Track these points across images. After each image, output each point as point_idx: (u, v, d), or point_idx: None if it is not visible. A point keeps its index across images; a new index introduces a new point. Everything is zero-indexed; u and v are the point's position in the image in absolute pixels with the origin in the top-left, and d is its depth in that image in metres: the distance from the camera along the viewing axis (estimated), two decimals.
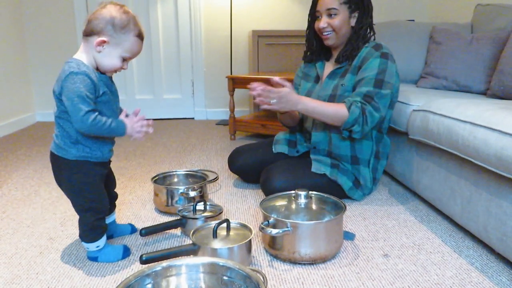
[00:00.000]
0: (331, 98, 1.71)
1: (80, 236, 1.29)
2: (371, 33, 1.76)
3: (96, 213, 1.27)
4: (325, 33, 1.73)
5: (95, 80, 1.18)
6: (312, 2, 1.80)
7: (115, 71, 1.25)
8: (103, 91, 1.21)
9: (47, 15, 3.62)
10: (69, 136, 1.22)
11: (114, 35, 1.18)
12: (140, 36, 1.23)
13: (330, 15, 1.70)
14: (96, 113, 1.16)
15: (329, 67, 1.83)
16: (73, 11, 3.62)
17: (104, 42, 1.18)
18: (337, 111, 1.60)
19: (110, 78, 1.30)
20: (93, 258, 1.30)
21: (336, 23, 1.69)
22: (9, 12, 3.38)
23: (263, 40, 3.46)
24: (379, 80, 1.62)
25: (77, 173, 1.24)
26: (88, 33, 1.20)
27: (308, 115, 1.65)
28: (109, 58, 1.21)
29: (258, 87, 1.56)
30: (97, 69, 1.24)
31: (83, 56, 1.22)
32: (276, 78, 1.63)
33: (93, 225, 1.27)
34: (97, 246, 1.29)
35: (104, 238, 1.31)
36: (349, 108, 1.58)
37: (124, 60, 1.24)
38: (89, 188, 1.26)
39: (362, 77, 1.64)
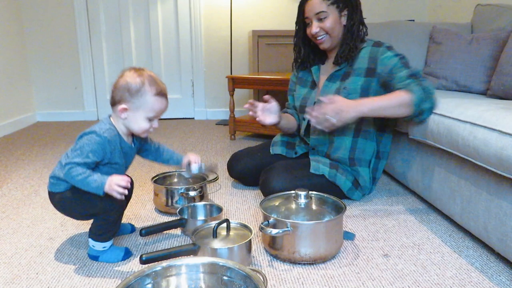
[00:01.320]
0: None
1: (93, 233, 1.29)
2: (364, 29, 1.73)
3: (117, 210, 1.27)
4: (319, 38, 1.70)
5: (110, 148, 1.24)
6: (298, 9, 1.77)
7: (147, 132, 1.29)
8: (115, 161, 1.27)
9: (47, 15, 3.62)
10: (60, 173, 1.27)
11: (132, 100, 1.23)
12: (160, 94, 1.25)
13: (320, 19, 1.67)
14: (78, 167, 1.18)
15: (326, 69, 1.81)
16: (73, 11, 3.62)
17: (125, 109, 1.24)
18: (400, 98, 1.48)
19: (138, 143, 1.38)
20: (94, 257, 1.30)
21: (328, 25, 1.66)
22: (9, 12, 3.38)
23: (263, 40, 3.46)
24: (406, 63, 1.60)
25: (71, 190, 1.26)
26: (112, 104, 1.27)
27: (373, 115, 1.53)
28: (135, 122, 1.26)
29: (312, 113, 1.50)
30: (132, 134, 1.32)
31: (117, 124, 1.28)
32: (266, 96, 1.63)
33: (114, 223, 1.28)
34: (104, 247, 1.29)
35: (112, 240, 1.31)
36: (410, 90, 1.48)
37: (151, 120, 1.27)
38: (98, 198, 1.23)
39: (388, 69, 1.60)
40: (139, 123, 1.26)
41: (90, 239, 1.30)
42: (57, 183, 1.28)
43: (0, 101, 3.19)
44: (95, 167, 1.24)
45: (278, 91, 3.51)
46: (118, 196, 1.18)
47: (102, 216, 1.26)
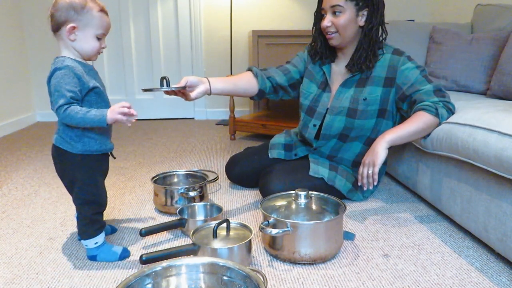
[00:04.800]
0: (351, 112, 1.64)
1: (79, 233, 1.30)
2: (383, 35, 1.64)
3: (95, 207, 1.28)
4: (329, 33, 1.61)
5: (80, 74, 1.19)
6: None
7: (98, 53, 1.26)
8: (93, 85, 1.22)
9: (47, 15, 3.61)
10: (72, 130, 1.23)
11: (79, 17, 1.19)
12: (103, 10, 1.23)
13: (334, 13, 1.56)
14: (71, 106, 1.15)
15: (338, 71, 1.73)
16: None
17: (73, 28, 1.19)
18: (427, 123, 1.49)
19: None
20: (92, 257, 1.30)
21: (340, 22, 1.56)
22: (9, 12, 3.38)
23: (263, 40, 3.46)
24: (427, 76, 1.58)
25: (82, 168, 1.25)
26: (56, 28, 1.21)
27: (401, 142, 1.52)
28: (86, 42, 1.22)
29: (363, 181, 1.52)
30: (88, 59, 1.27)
31: (65, 52, 1.23)
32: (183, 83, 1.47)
33: (91, 219, 1.28)
34: (96, 243, 1.29)
35: (102, 234, 1.31)
36: (437, 114, 1.48)
37: (99, 39, 1.24)
38: (92, 182, 1.27)
39: (410, 83, 1.57)
40: (89, 42, 1.22)
41: (82, 241, 1.31)
42: (71, 143, 1.23)
43: (0, 101, 3.19)
44: (83, 100, 1.21)
45: None
46: (123, 119, 1.16)
47: (82, 209, 1.27)
